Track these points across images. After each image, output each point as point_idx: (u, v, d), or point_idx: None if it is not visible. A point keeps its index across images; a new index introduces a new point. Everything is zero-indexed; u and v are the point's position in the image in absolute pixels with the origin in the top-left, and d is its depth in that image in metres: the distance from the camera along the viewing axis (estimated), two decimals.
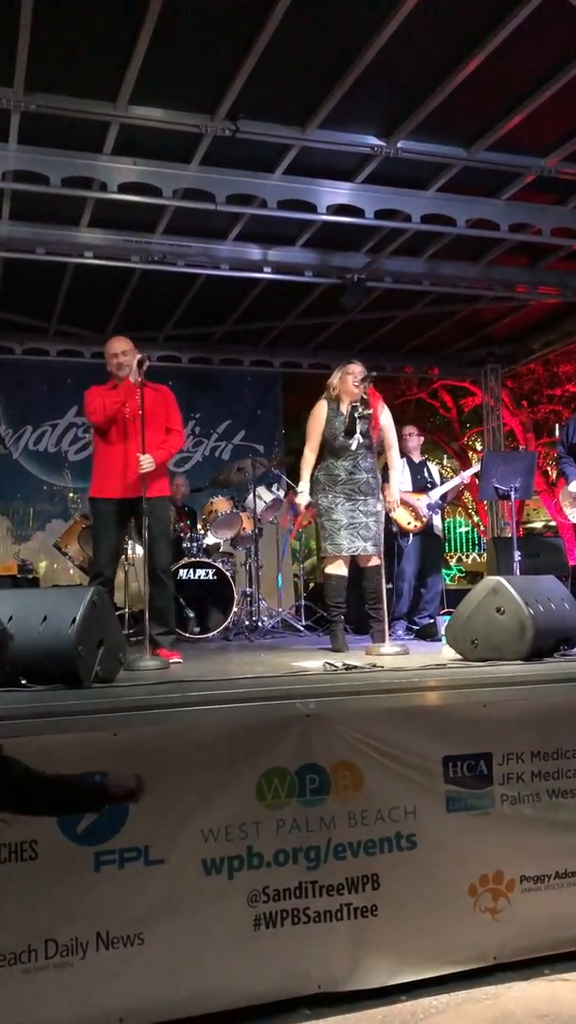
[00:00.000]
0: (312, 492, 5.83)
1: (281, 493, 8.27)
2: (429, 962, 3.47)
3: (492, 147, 5.96)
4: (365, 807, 3.53)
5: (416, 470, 7.66)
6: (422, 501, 7.42)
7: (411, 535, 7.38)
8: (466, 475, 8.29)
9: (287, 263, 7.51)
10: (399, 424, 7.39)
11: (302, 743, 3.43)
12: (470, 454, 17.78)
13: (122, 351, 5.57)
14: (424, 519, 7.42)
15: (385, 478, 6.22)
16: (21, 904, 3.07)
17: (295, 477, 6.04)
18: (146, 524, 5.04)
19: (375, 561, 5.70)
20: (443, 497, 7.74)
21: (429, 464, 7.97)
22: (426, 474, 7.71)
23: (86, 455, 9.90)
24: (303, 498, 5.85)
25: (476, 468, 8.99)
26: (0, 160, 5.61)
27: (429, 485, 7.58)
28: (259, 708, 3.49)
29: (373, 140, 5.86)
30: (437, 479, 7.76)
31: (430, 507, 7.51)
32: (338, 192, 6.38)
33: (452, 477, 8.18)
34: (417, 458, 7.77)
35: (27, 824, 3.10)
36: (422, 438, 8.06)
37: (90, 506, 5.66)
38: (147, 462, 5.18)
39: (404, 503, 7.24)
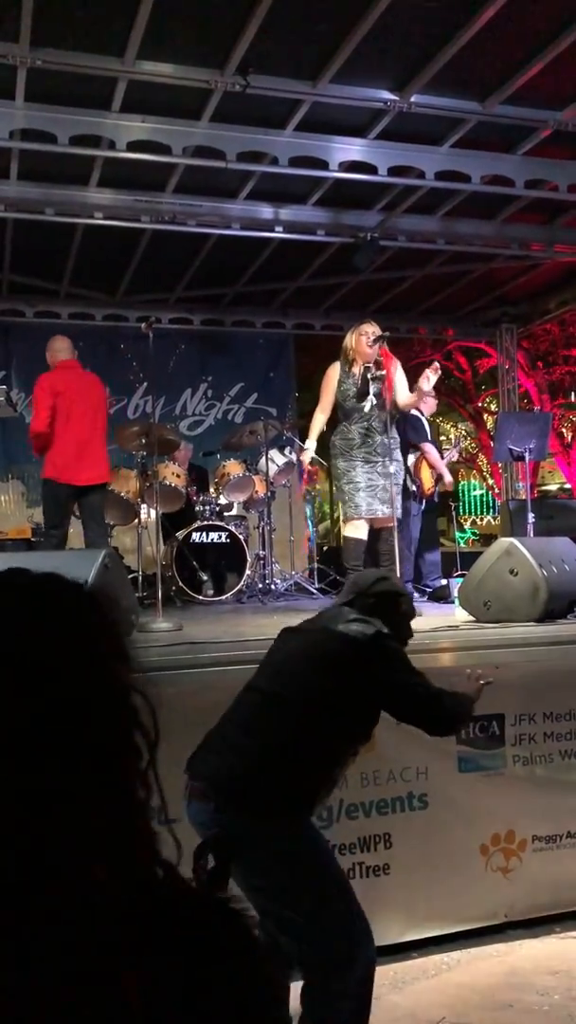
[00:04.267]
0: (330, 455, 5.84)
1: (294, 456, 8.23)
2: (440, 920, 3.51)
3: (507, 100, 5.82)
4: (377, 767, 3.55)
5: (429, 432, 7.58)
6: (444, 466, 7.38)
7: (423, 500, 7.32)
8: (452, 453, 8.23)
9: (299, 222, 7.41)
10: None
11: None
12: (485, 416, 17.68)
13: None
14: (443, 484, 7.38)
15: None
16: None
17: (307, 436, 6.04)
18: None
19: (389, 523, 5.68)
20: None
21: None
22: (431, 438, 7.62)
23: None
24: (307, 455, 5.99)
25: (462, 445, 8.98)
26: (7, 118, 5.53)
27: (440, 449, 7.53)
28: None
29: (386, 94, 5.74)
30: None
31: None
32: (350, 148, 6.27)
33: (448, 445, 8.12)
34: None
35: None
36: (436, 401, 7.94)
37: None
38: None
39: (430, 464, 7.18)
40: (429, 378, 5.66)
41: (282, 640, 2.73)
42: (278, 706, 2.47)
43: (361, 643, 2.49)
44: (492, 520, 21.11)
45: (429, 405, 7.61)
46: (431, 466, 7.21)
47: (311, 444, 5.92)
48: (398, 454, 5.89)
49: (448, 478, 7.39)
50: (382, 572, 2.98)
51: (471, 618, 4.68)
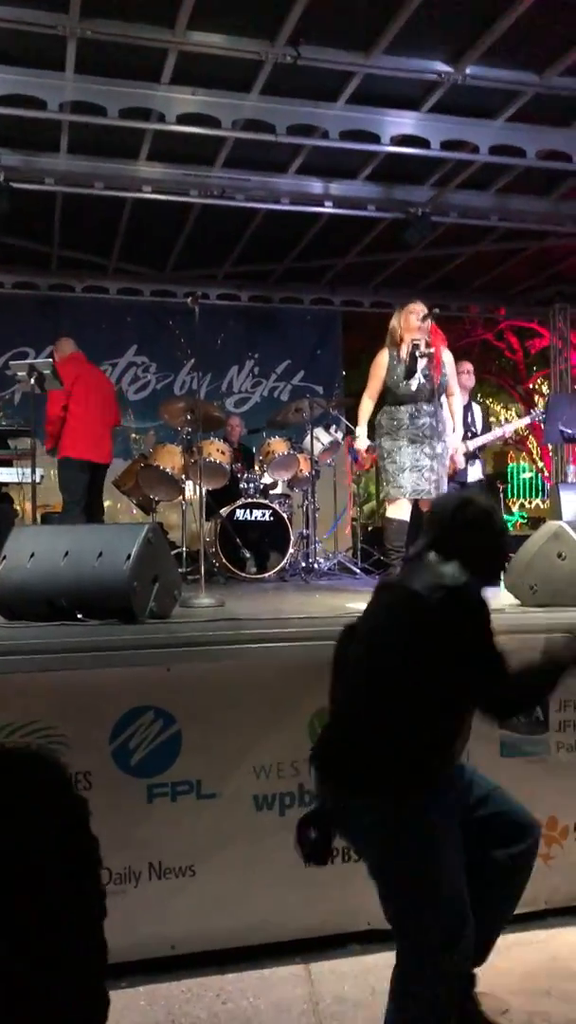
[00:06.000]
0: (374, 435, 5.73)
1: (339, 435, 8.16)
2: None
3: (566, 72, 5.67)
4: None
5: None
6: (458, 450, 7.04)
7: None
8: (508, 428, 7.82)
9: (349, 197, 7.32)
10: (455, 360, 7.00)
11: None
12: (536, 398, 17.41)
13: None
14: (457, 468, 7.03)
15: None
16: None
17: (354, 419, 5.91)
18: None
19: None
20: (481, 448, 7.22)
21: (475, 406, 7.52)
22: (469, 420, 7.30)
23: (146, 394, 9.93)
24: (361, 443, 5.81)
25: (519, 423, 8.55)
26: (57, 90, 5.52)
27: (471, 432, 7.23)
28: (312, 648, 3.46)
29: (440, 66, 5.62)
30: (479, 425, 7.35)
31: (467, 457, 7.09)
32: (403, 122, 6.16)
33: (496, 423, 7.71)
34: (464, 399, 7.40)
35: (81, 755, 3.16)
36: (474, 379, 7.66)
37: None
38: None
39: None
40: None
41: (375, 599, 2.50)
42: (367, 675, 2.32)
43: (432, 604, 2.24)
44: (541, 503, 20.83)
45: (465, 387, 7.31)
46: None
47: (362, 431, 5.78)
48: (447, 435, 5.77)
49: (459, 462, 6.96)
50: (463, 495, 2.56)
51: (517, 602, 4.60)
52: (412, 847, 2.24)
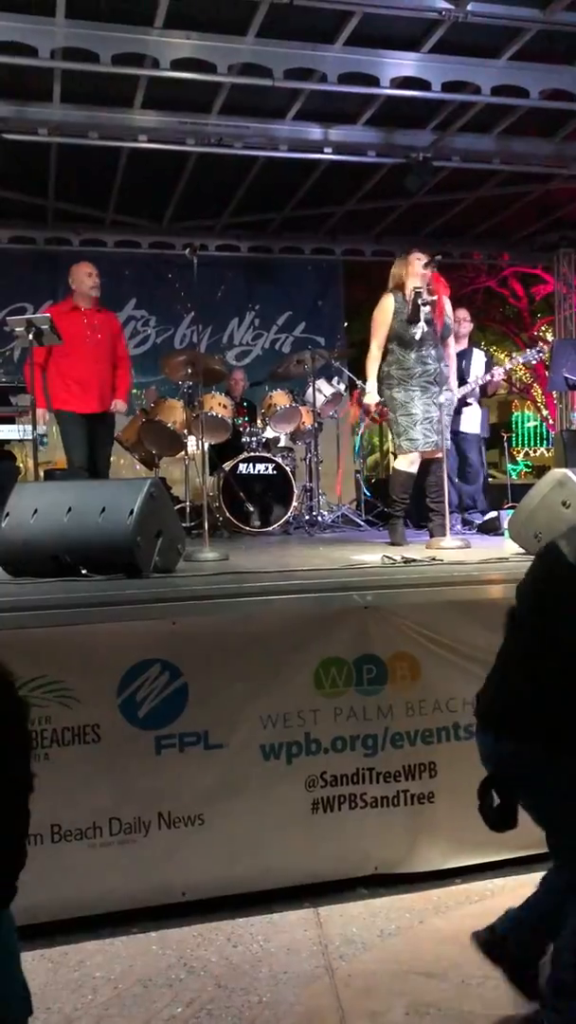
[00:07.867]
0: (384, 386, 5.66)
1: (342, 387, 8.09)
2: (484, 848, 3.51)
3: (570, 7, 5.51)
4: (422, 697, 3.54)
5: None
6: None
7: None
8: (498, 373, 7.58)
9: (349, 143, 7.18)
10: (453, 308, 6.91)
11: (359, 634, 3.43)
12: (540, 345, 17.23)
13: (96, 272, 6.46)
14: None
15: None
16: (85, 784, 3.18)
17: (356, 370, 5.85)
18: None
19: (438, 454, 5.57)
20: (482, 390, 7.06)
21: (475, 353, 7.36)
22: (464, 366, 7.07)
23: (146, 348, 9.84)
24: (371, 397, 5.68)
25: (506, 367, 8.33)
26: (47, 36, 5.39)
27: (465, 381, 7.10)
28: (316, 599, 3.48)
29: (441, 3, 5.46)
30: (480, 371, 7.19)
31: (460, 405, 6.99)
32: (403, 63, 6.02)
33: (497, 366, 7.49)
34: (462, 346, 7.15)
35: (89, 708, 3.19)
36: (471, 325, 7.56)
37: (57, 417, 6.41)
38: (122, 407, 6.47)
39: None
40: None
41: (537, 558, 2.40)
42: (536, 637, 2.25)
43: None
44: (545, 452, 20.77)
45: (461, 336, 7.19)
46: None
47: (372, 386, 5.67)
48: (452, 382, 5.73)
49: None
50: None
51: (521, 550, 4.60)
52: None
